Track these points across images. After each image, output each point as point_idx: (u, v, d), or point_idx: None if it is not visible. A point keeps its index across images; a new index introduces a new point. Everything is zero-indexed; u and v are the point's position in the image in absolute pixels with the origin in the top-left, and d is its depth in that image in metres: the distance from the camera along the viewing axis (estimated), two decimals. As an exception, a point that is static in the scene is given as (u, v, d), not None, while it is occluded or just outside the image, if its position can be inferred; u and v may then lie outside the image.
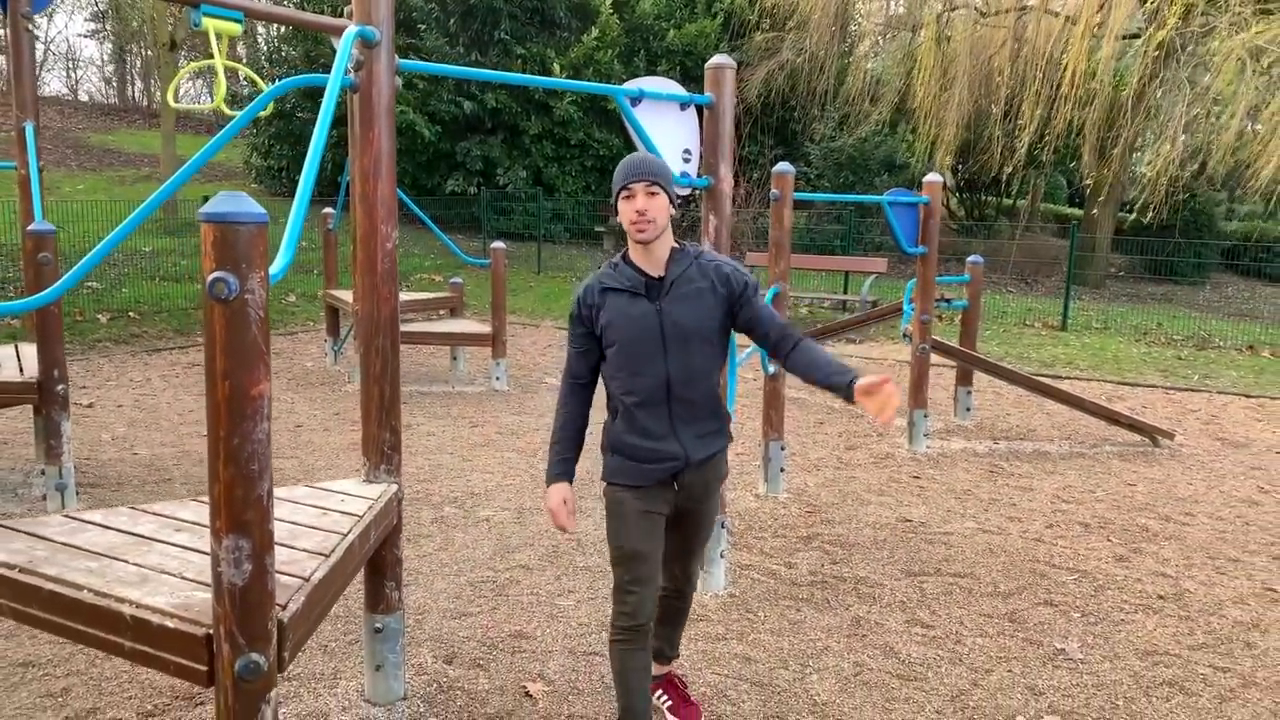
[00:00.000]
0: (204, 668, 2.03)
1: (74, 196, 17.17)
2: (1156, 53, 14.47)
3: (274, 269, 2.23)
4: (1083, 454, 6.93)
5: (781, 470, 5.73)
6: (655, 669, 3.17)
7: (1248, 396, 9.28)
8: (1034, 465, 6.58)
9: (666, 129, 3.90)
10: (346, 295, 8.47)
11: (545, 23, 17.91)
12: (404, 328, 8.92)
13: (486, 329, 8.47)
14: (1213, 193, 19.58)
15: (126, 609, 2.14)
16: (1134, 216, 17.07)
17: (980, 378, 7.87)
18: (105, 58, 38.56)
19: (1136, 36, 15.81)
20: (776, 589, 4.33)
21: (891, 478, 6.19)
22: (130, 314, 11.08)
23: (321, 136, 2.47)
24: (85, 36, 42.32)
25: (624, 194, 2.72)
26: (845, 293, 14.61)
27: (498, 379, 8.48)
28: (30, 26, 5.33)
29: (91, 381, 8.37)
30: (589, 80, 17.57)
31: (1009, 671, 3.59)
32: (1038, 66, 15.24)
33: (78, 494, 5.20)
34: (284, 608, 2.14)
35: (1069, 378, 9.86)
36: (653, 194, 2.69)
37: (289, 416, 7.30)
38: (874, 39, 21.72)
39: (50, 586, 2.25)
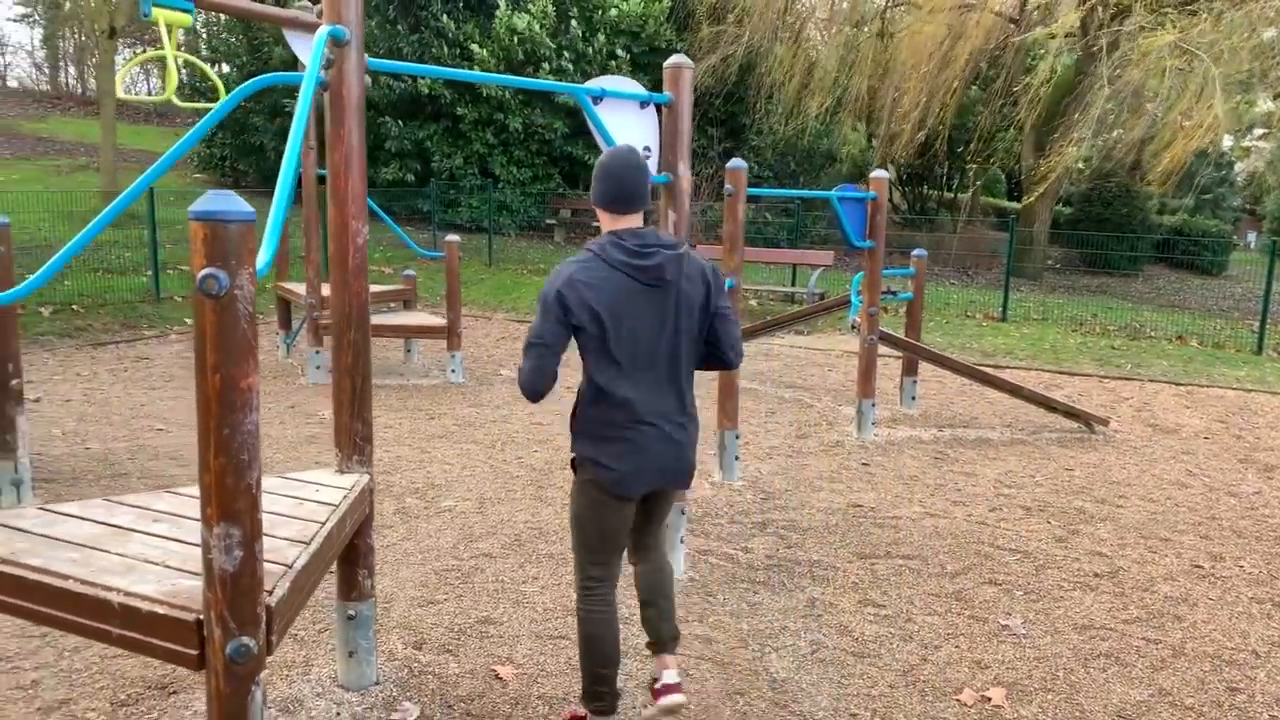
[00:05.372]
0: (194, 652, 2.10)
1: (8, 187, 16.71)
2: (1065, 44, 14.92)
3: (258, 264, 2.29)
4: (1023, 441, 7.19)
5: (736, 458, 5.88)
6: None
7: (1177, 385, 9.66)
8: (977, 452, 6.81)
9: (627, 126, 4.00)
10: (298, 288, 8.43)
11: (479, 2, 17.49)
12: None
13: (441, 321, 8.50)
14: (1145, 187, 20.22)
15: (114, 596, 2.19)
16: (1027, 203, 17.60)
17: (925, 367, 8.11)
18: (37, 43, 37.50)
19: (1053, 36, 16.29)
20: (734, 573, 4.47)
21: (842, 465, 6.37)
22: (74, 307, 10.86)
23: (298, 136, 2.53)
24: (15, 21, 41.02)
25: None
26: (793, 285, 14.83)
27: (453, 371, 8.51)
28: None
29: (37, 376, 8.22)
30: (520, 61, 17.06)
31: (956, 647, 3.77)
32: (961, 63, 15.65)
33: (33, 489, 5.16)
34: (270, 593, 2.21)
35: (1009, 367, 10.17)
36: None
37: (243, 410, 7.26)
38: (821, 33, 21.99)
39: (35, 576, 2.29)
